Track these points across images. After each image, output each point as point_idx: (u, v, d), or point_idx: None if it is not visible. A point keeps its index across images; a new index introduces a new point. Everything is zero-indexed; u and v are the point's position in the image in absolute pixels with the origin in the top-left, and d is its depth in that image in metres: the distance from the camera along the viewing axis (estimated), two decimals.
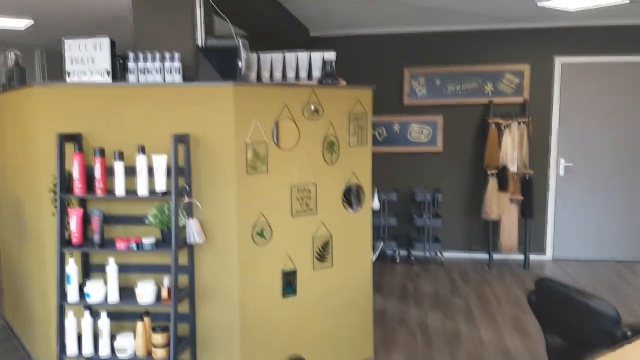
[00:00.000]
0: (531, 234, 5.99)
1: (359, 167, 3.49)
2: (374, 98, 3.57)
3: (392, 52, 6.19)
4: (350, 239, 3.50)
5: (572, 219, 6.09)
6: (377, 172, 3.66)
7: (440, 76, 6.09)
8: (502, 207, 5.81)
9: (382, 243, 6.02)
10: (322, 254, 3.37)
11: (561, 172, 6.02)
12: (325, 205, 3.33)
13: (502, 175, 5.74)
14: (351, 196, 3.49)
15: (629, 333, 2.20)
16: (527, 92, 5.93)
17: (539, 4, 4.82)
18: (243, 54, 2.99)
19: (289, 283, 3.20)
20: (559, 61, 5.88)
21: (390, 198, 5.95)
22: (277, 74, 3.42)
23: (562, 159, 6.01)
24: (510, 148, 5.71)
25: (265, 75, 3.45)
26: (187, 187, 2.84)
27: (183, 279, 2.90)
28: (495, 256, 6.05)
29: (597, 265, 5.88)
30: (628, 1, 4.61)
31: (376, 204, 3.80)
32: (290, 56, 3.41)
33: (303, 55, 3.41)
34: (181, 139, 2.77)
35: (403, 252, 6.27)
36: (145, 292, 2.77)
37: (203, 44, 3.10)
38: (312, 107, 3.18)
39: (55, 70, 5.56)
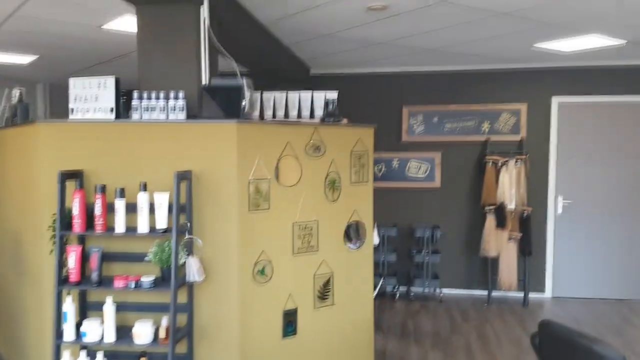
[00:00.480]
0: (530, 271, 5.96)
1: (361, 204, 3.50)
2: (376, 134, 3.60)
3: (391, 90, 6.28)
4: (351, 277, 3.47)
5: (571, 256, 6.07)
6: (376, 207, 3.66)
7: (439, 114, 6.16)
8: (500, 244, 5.80)
9: (382, 279, 5.96)
10: (324, 292, 3.33)
11: (559, 210, 6.03)
12: (327, 243, 3.32)
13: (500, 212, 5.74)
14: (352, 233, 3.47)
15: None
16: (524, 130, 6.00)
17: (534, 46, 4.94)
18: (247, 92, 3.02)
19: (290, 323, 3.15)
20: (555, 100, 5.97)
21: (389, 234, 5.93)
22: (280, 113, 3.45)
23: (561, 197, 6.03)
24: (508, 185, 5.74)
25: (269, 113, 3.48)
26: (189, 224, 2.82)
27: (182, 318, 2.86)
28: (495, 294, 6.00)
29: (597, 304, 5.83)
30: (624, 43, 4.73)
31: (376, 240, 3.79)
32: (293, 95, 3.45)
33: (305, 95, 3.45)
34: (184, 176, 2.77)
35: (402, 289, 6.21)
36: (142, 332, 2.72)
37: (207, 83, 3.14)
38: (315, 145, 3.20)
39: (60, 104, 5.60)
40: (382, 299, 6.05)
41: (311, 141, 3.19)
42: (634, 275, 5.95)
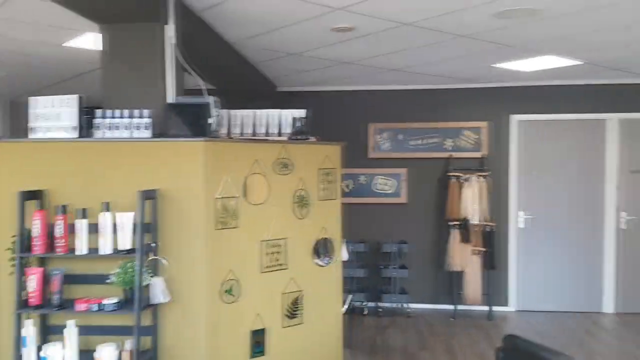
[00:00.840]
0: (494, 285, 6.08)
1: (329, 221, 3.51)
2: (343, 151, 3.63)
3: (357, 107, 6.37)
4: (320, 294, 3.46)
5: (534, 270, 6.22)
6: (345, 223, 3.68)
7: (403, 131, 6.28)
8: (465, 258, 5.90)
9: (350, 295, 5.96)
10: (293, 310, 3.31)
11: (521, 225, 6.18)
12: (296, 260, 3.31)
13: (464, 227, 5.86)
14: (322, 249, 3.48)
15: None
16: (486, 147, 6.16)
17: (493, 66, 5.09)
18: (214, 110, 3.02)
19: (258, 343, 3.12)
20: (515, 119, 6.16)
21: (358, 249, 5.96)
22: (248, 131, 3.45)
23: (522, 212, 6.18)
24: (471, 201, 5.87)
25: (236, 131, 3.47)
26: (154, 244, 2.77)
27: (147, 341, 2.79)
28: (460, 308, 6.08)
29: (560, 317, 5.97)
30: (581, 63, 4.94)
31: (345, 255, 3.81)
32: (261, 113, 3.46)
33: (273, 113, 3.47)
34: (149, 195, 2.73)
35: (371, 304, 6.22)
36: (105, 356, 2.65)
37: (173, 101, 3.12)
38: (283, 162, 3.21)
39: (20, 121, 5.44)
40: (351, 315, 6.04)
41: (279, 159, 3.20)
42: (595, 288, 6.13)
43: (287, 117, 3.51)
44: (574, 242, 6.16)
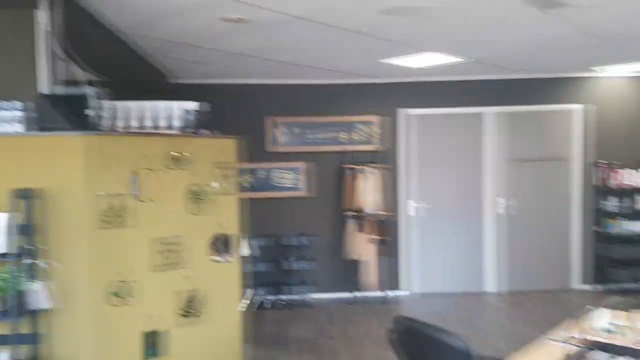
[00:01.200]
0: (391, 271, 6.37)
1: (227, 216, 3.46)
2: (240, 145, 3.59)
3: (254, 101, 6.33)
4: (219, 291, 3.40)
5: (428, 255, 6.59)
6: (246, 218, 3.65)
7: (300, 125, 6.35)
8: (361, 247, 6.12)
9: (252, 290, 5.93)
10: (189, 309, 3.23)
11: (414, 213, 6.51)
12: (191, 258, 3.23)
13: (359, 217, 6.08)
14: (220, 245, 3.42)
15: None
16: (378, 140, 6.40)
17: (381, 62, 5.27)
18: (95, 102, 2.84)
19: (152, 344, 3.00)
20: (405, 113, 6.46)
21: (259, 243, 5.93)
22: (135, 124, 3.29)
23: (414, 201, 6.51)
24: (365, 192, 6.09)
25: (123, 124, 3.29)
26: (33, 247, 2.56)
27: (29, 350, 2.58)
28: (360, 295, 6.30)
29: (451, 298, 6.37)
30: (468, 60, 5.27)
31: (246, 251, 3.77)
32: (150, 105, 3.31)
33: (162, 105, 3.33)
34: (23, 195, 2.52)
35: (274, 298, 6.23)
36: None
37: (49, 92, 2.89)
38: (174, 157, 3.10)
39: None
40: (254, 309, 6.03)
41: (169, 153, 3.09)
42: (479, 270, 6.62)
43: (178, 109, 3.40)
44: (462, 228, 6.60)
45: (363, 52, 4.85)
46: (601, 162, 6.41)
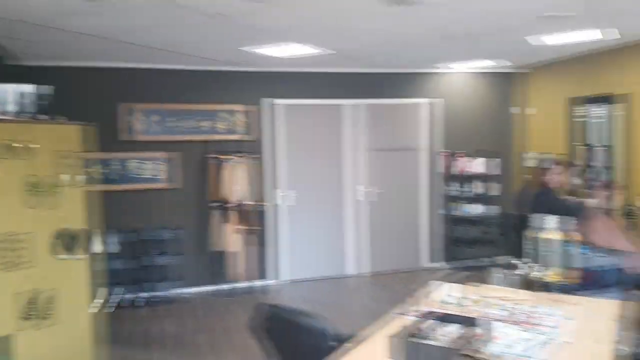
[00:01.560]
0: (260, 261, 6.40)
1: (73, 210, 3.19)
2: (90, 134, 3.32)
3: (107, 86, 5.90)
4: (67, 290, 3.15)
5: (299, 243, 6.70)
6: (97, 211, 3.39)
7: (160, 113, 6.06)
8: (228, 238, 6.06)
9: (110, 289, 5.56)
10: (31, 311, 2.94)
11: (281, 202, 6.59)
12: (35, 256, 2.93)
13: (226, 208, 6.01)
14: (67, 242, 3.15)
15: (334, 344, 2.49)
16: (243, 130, 6.36)
17: (242, 50, 5.23)
18: None
19: None
20: (269, 102, 6.49)
21: (118, 239, 5.57)
22: None
23: (285, 190, 6.58)
24: (231, 182, 6.03)
25: None
26: None
27: None
28: (228, 287, 6.23)
29: (319, 284, 6.57)
30: (332, 52, 5.41)
31: (99, 247, 3.52)
32: None
33: None
34: None
35: (134, 295, 5.90)
36: None
37: None
38: (8, 145, 2.78)
39: None
40: (111, 309, 5.66)
41: (4, 140, 2.77)
42: (346, 254, 6.90)
43: (13, 93, 3.06)
44: (327, 215, 6.83)
45: (225, 38, 4.76)
46: (445, 151, 7.04)
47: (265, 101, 6.48)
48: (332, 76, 6.67)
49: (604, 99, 5.92)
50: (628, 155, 5.65)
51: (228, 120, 6.31)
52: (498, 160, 7.07)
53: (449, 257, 7.13)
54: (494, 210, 7.03)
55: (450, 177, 7.05)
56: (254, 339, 2.95)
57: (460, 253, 7.08)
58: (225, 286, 6.26)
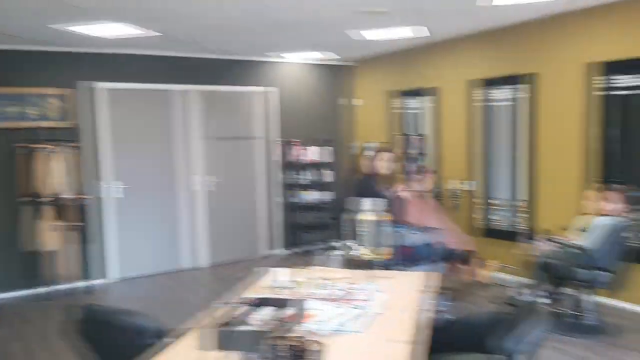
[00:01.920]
0: (91, 259, 5.90)
1: None
2: None
3: None
4: None
5: (131, 238, 6.25)
6: None
7: None
8: (44, 236, 5.44)
9: None
10: None
11: (107, 194, 6.09)
12: None
13: (41, 202, 5.38)
14: None
15: (153, 341, 2.36)
16: (59, 116, 5.72)
17: (51, 27, 4.69)
18: None
19: None
20: (89, 86, 5.92)
21: None
22: None
23: (107, 182, 6.08)
24: (46, 174, 5.41)
25: None
26: None
27: None
28: (49, 289, 5.57)
29: (152, 280, 6.23)
30: (158, 35, 5.10)
31: None
32: None
33: None
34: None
35: None
36: None
37: None
38: None
39: None
40: None
41: None
42: (182, 247, 6.65)
43: None
44: (161, 208, 6.49)
45: (29, 14, 4.22)
46: (281, 140, 7.17)
47: (84, 84, 5.91)
48: (161, 59, 6.34)
49: (417, 92, 6.54)
50: (437, 144, 6.31)
51: (39, 105, 5.63)
52: (331, 148, 7.40)
53: (288, 243, 7.30)
54: (328, 196, 7.35)
55: (286, 165, 7.20)
56: (67, 343, 2.68)
57: (298, 239, 7.29)
58: (42, 289, 5.61)
